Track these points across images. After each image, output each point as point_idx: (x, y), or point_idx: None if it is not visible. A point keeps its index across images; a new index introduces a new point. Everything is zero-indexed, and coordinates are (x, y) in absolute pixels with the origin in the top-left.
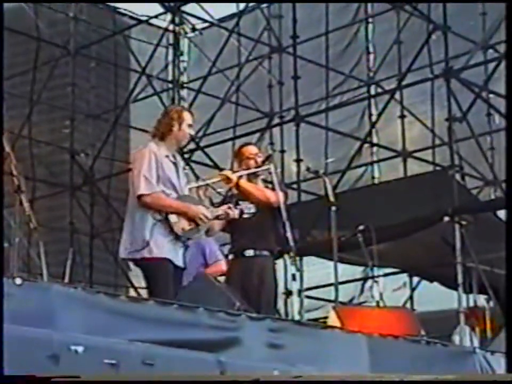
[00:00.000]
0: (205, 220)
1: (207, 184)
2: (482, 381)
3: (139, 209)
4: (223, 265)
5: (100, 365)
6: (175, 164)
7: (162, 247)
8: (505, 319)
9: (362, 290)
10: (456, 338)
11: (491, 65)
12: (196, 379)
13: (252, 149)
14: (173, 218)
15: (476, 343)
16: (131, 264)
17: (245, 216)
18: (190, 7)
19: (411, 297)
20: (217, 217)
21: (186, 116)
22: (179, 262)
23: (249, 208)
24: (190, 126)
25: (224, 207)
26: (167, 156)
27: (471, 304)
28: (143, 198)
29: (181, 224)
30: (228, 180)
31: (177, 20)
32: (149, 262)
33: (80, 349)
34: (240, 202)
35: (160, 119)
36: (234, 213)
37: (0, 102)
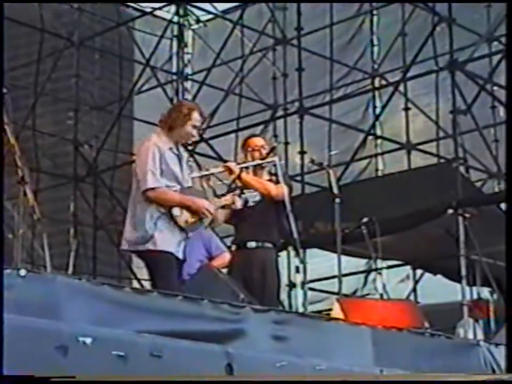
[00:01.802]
0: (208, 214)
1: (209, 174)
2: (482, 380)
3: (143, 202)
4: (228, 257)
5: (108, 356)
6: (178, 156)
7: (167, 239)
8: (506, 318)
9: (365, 283)
10: (460, 331)
11: (496, 58)
12: (196, 379)
13: (258, 141)
14: (175, 211)
15: (480, 335)
16: (133, 256)
17: (250, 204)
18: None
19: (414, 290)
20: (221, 207)
21: (195, 115)
22: (180, 255)
23: (254, 196)
24: (194, 127)
25: (229, 195)
26: (170, 148)
27: (475, 296)
28: (149, 192)
29: (183, 217)
30: (230, 171)
31: (181, 11)
32: (154, 254)
33: (88, 340)
34: (245, 191)
35: (170, 111)
36: (237, 204)
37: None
